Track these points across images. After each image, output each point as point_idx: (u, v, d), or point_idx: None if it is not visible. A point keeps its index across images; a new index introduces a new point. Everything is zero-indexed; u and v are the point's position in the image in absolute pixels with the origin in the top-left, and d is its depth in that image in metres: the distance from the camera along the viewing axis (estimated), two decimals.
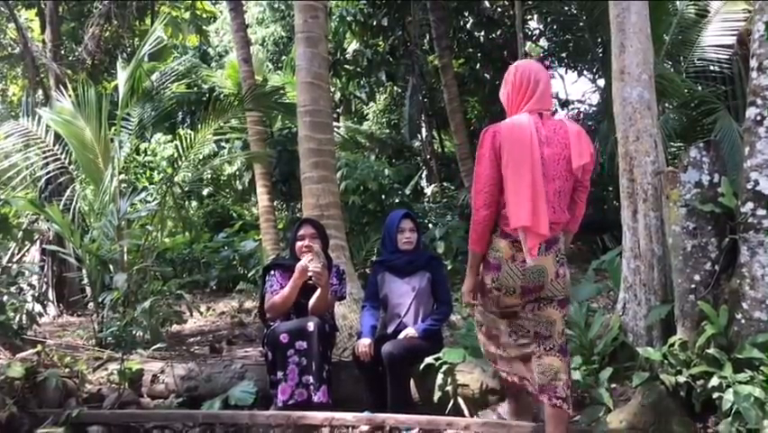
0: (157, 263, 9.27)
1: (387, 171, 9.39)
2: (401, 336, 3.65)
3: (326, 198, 5.38)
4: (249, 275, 9.50)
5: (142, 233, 6.16)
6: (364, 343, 3.65)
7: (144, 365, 4.34)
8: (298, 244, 3.87)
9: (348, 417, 3.30)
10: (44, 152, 6.61)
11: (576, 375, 3.46)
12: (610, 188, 13.38)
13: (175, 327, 7.36)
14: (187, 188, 14.23)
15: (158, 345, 4.84)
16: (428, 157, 13.93)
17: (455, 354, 3.56)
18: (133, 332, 4.75)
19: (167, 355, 4.95)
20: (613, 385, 3.61)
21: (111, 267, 6.00)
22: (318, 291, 3.73)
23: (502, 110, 3.02)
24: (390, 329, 3.82)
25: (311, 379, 3.52)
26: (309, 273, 3.64)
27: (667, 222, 3.69)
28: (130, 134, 6.79)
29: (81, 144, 6.37)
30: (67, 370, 4.01)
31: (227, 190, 14.23)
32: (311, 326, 3.59)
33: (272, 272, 3.90)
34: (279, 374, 3.54)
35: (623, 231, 4.17)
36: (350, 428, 3.53)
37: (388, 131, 15.46)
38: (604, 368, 3.61)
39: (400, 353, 3.51)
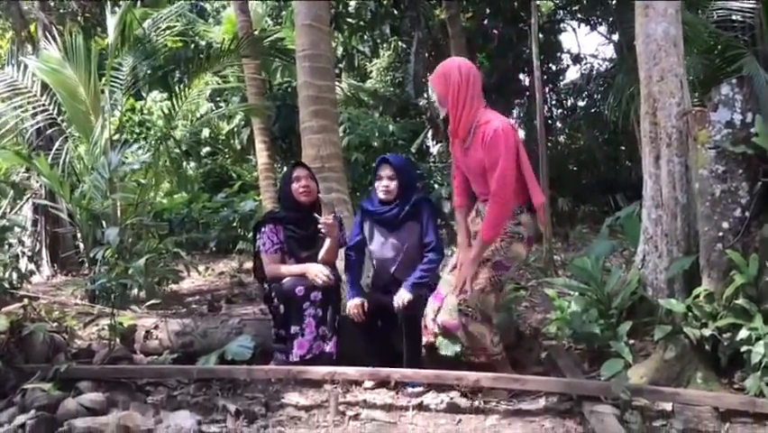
0: (153, 221, 9.20)
1: (391, 128, 9.18)
2: (396, 302, 3.43)
3: (327, 148, 5.17)
4: (249, 235, 9.36)
5: (136, 187, 5.99)
6: (355, 303, 3.50)
7: (137, 321, 4.21)
8: (294, 185, 3.72)
9: (351, 371, 3.17)
10: (31, 103, 6.40)
11: (593, 329, 3.32)
12: (623, 147, 13.17)
13: (172, 287, 7.26)
14: (184, 148, 14.24)
15: (152, 302, 4.70)
16: (434, 115, 13.63)
17: None
18: (127, 286, 4.61)
19: (162, 313, 4.82)
20: (631, 341, 3.48)
21: (104, 223, 5.85)
22: (327, 243, 3.64)
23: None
24: (380, 284, 3.68)
25: (327, 330, 3.52)
26: (320, 226, 3.49)
27: (693, 167, 3.50)
28: (122, 89, 6.55)
29: (70, 94, 6.16)
30: (55, 325, 3.88)
31: (226, 150, 14.03)
32: (327, 275, 3.54)
33: (263, 229, 3.73)
34: (294, 329, 3.49)
35: (644, 179, 3.99)
36: (353, 384, 3.40)
37: (392, 89, 15.16)
38: (622, 322, 3.47)
39: (415, 297, 3.39)
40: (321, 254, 3.66)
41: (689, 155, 3.62)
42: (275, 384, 3.46)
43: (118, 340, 4.03)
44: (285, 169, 11.48)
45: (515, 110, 15.86)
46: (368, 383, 3.40)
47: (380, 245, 3.70)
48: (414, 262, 3.62)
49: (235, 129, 12.28)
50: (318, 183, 3.88)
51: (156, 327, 4.10)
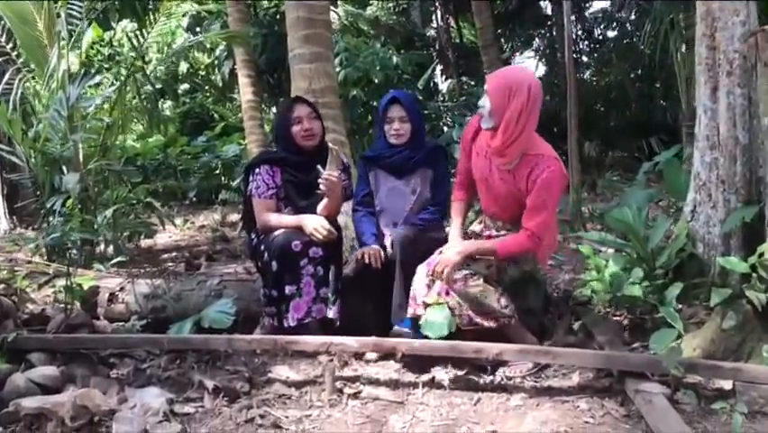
0: (123, 166, 8.96)
1: (395, 60, 8.82)
2: (387, 242, 3.35)
3: (321, 81, 4.89)
4: (233, 184, 9.15)
5: (101, 128, 5.71)
6: (373, 249, 3.35)
7: (101, 282, 4.01)
8: (295, 128, 3.45)
9: (350, 341, 2.96)
10: None
11: (637, 292, 3.09)
12: (657, 84, 12.76)
13: (146, 242, 7.08)
14: (158, 85, 13.90)
15: (118, 259, 4.48)
16: (444, 46, 13.21)
17: None
18: (91, 242, 4.38)
19: (130, 272, 4.61)
20: (678, 305, 3.26)
21: (64, 169, 5.60)
22: (324, 200, 3.40)
23: None
24: (387, 242, 3.45)
25: (329, 292, 3.33)
26: (321, 181, 3.25)
27: (762, 99, 3.22)
28: (83, 14, 6.18)
29: (20, 18, 5.82)
30: (2, 286, 3.66)
31: (206, 87, 13.67)
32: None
33: (257, 170, 3.47)
34: (290, 289, 3.28)
35: (697, 115, 3.70)
36: (353, 356, 3.20)
37: (395, 17, 14.70)
38: (671, 284, 3.24)
39: (414, 235, 3.32)
40: (320, 208, 3.41)
41: (753, 86, 3.33)
42: (260, 356, 3.26)
43: (78, 304, 3.83)
44: (274, 107, 11.23)
45: (534, 41, 15.43)
46: (370, 356, 3.21)
47: (388, 193, 3.52)
48: (426, 209, 3.51)
49: (216, 62, 11.86)
50: (323, 121, 3.61)
51: (122, 289, 3.91)
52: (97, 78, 5.18)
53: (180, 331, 3.29)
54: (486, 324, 3.10)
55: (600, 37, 14.53)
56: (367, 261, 3.32)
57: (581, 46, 15.23)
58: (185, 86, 13.71)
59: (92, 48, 11.86)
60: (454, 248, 3.15)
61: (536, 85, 3.08)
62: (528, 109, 3.03)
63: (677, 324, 2.93)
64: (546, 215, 3.10)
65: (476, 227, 3.57)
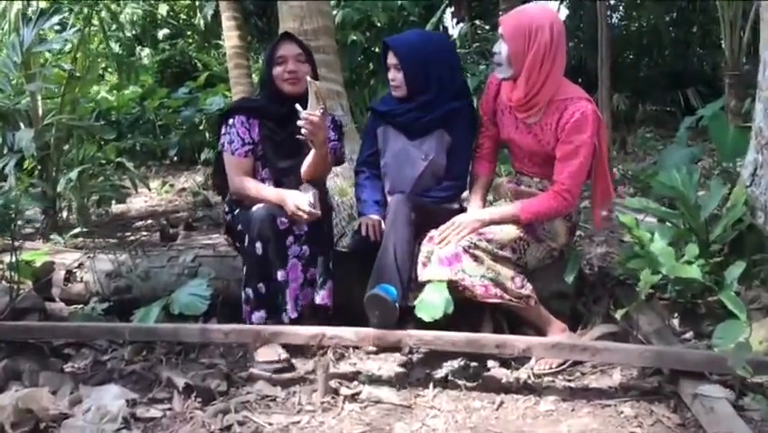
0: (95, 121, 8.64)
1: (399, 0, 8.42)
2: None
3: (314, 20, 4.56)
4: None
5: (61, 76, 5.38)
6: (372, 218, 3.06)
7: (56, 257, 3.74)
8: (277, 69, 3.11)
9: (347, 333, 2.68)
10: None
11: (693, 273, 2.79)
12: (694, 29, 12.29)
13: (118, 208, 6.81)
14: (134, 30, 13.48)
15: (77, 230, 4.20)
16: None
17: None
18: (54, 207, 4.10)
19: (93, 245, 4.33)
20: (737, 287, 2.97)
21: (21, 124, 5.30)
22: (311, 153, 3.04)
23: None
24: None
25: (316, 273, 3.08)
26: (301, 123, 2.89)
27: None
28: None
29: None
30: None
31: (189, 33, 13.25)
32: (312, 199, 2.99)
33: (231, 121, 3.15)
34: (282, 275, 2.95)
35: (761, 60, 3.37)
36: (350, 350, 2.93)
37: None
38: (730, 263, 2.95)
39: (417, 205, 3.01)
40: (303, 168, 3.10)
41: None
42: (240, 349, 2.99)
43: (31, 283, 3.58)
44: (263, 54, 10.80)
45: None
46: (371, 347, 2.93)
47: (395, 155, 3.19)
48: (439, 182, 3.17)
49: (197, 1, 11.43)
50: (315, 65, 3.25)
51: (81, 266, 3.63)
52: (56, 19, 4.81)
53: (146, 318, 3.03)
54: (502, 295, 2.82)
55: None
56: (365, 232, 3.02)
57: None
58: (164, 31, 13.29)
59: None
60: (471, 214, 2.93)
61: (559, 23, 2.89)
62: (553, 51, 2.83)
63: (741, 312, 2.64)
64: (579, 163, 2.88)
65: (503, 180, 3.29)
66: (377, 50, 8.61)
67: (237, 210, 3.15)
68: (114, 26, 6.23)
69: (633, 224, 3.22)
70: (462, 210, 3.13)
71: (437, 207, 3.13)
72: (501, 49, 2.89)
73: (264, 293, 2.94)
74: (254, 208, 3.00)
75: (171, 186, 8.13)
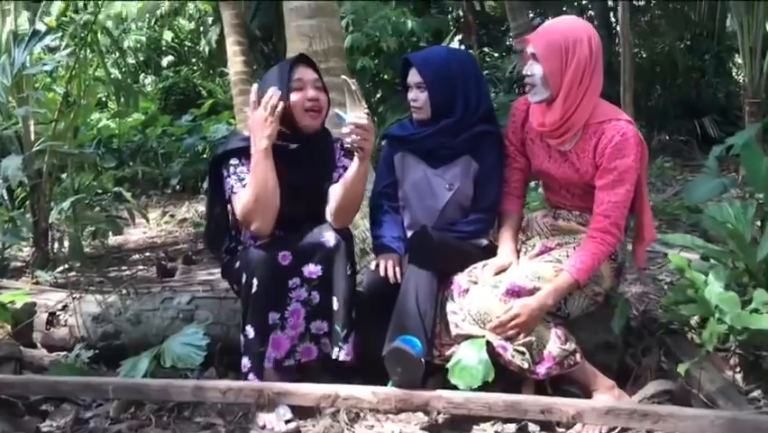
0: (95, 149, 8.33)
1: (409, 24, 8.14)
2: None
3: (324, 41, 4.22)
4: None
5: (55, 100, 5.05)
6: (391, 256, 2.71)
7: (40, 297, 3.38)
8: (296, 96, 2.64)
9: (364, 393, 2.30)
10: None
11: (763, 322, 2.41)
12: (706, 56, 11.99)
13: (116, 239, 6.45)
14: (142, 57, 13.27)
15: (67, 266, 3.83)
16: (465, 11, 12.48)
17: None
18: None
19: (83, 282, 3.96)
20: None
21: (12, 151, 4.96)
22: (354, 165, 2.56)
23: None
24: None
25: (325, 326, 2.65)
26: (347, 131, 2.44)
27: None
28: None
29: None
30: None
31: (194, 61, 13.00)
32: (331, 239, 2.62)
33: (234, 161, 2.71)
34: (273, 317, 2.59)
35: None
36: (368, 412, 2.54)
37: None
38: None
39: (440, 241, 2.64)
40: (338, 192, 2.66)
41: None
42: (240, 409, 2.60)
43: (9, 328, 3.22)
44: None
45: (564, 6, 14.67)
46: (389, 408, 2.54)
47: (415, 184, 2.84)
48: (465, 215, 2.82)
49: (201, 27, 11.18)
50: (328, 93, 2.83)
51: (65, 308, 3.26)
52: (48, 39, 4.49)
53: (134, 371, 2.65)
54: (544, 371, 2.46)
55: (641, 3, 13.75)
56: (383, 272, 2.64)
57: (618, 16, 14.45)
58: (169, 58, 13.06)
59: (63, 13, 11.26)
60: (534, 302, 2.46)
61: (596, 34, 2.61)
62: (592, 66, 2.54)
63: None
64: (624, 192, 2.54)
65: (537, 215, 2.91)
66: (386, 76, 8.33)
67: (239, 250, 2.79)
68: (115, 52, 5.91)
69: (684, 264, 2.85)
70: (493, 247, 2.76)
71: (464, 242, 2.76)
72: (534, 70, 2.56)
73: (252, 338, 2.55)
74: (251, 248, 2.65)
75: (172, 216, 7.78)
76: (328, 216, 2.71)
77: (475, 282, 2.57)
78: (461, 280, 2.59)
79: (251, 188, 2.58)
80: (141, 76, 12.90)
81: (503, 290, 2.46)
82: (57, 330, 3.24)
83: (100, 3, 5.30)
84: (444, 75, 2.76)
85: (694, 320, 2.88)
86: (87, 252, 5.83)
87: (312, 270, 2.62)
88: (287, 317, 2.62)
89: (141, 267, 5.35)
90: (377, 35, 7.89)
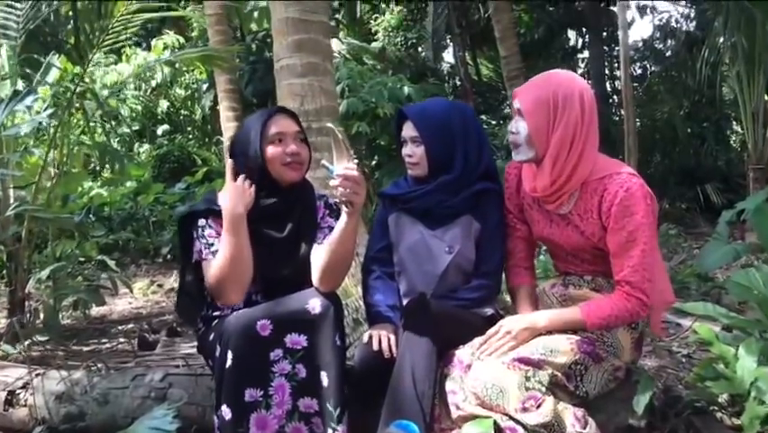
0: (85, 217, 8.10)
1: (406, 90, 8.02)
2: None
3: (316, 100, 4.03)
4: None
5: (36, 163, 4.83)
6: (386, 331, 2.40)
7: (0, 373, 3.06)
8: (274, 150, 2.45)
9: None
10: None
11: None
12: (705, 124, 11.91)
13: (99, 310, 6.14)
14: (136, 126, 13.19)
15: (38, 339, 3.54)
16: (463, 78, 12.45)
17: None
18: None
19: (49, 356, 3.66)
20: None
21: None
22: (342, 222, 2.30)
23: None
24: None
25: (315, 404, 2.30)
26: (335, 183, 2.19)
27: None
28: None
29: None
30: None
31: (189, 128, 12.90)
32: (316, 305, 2.31)
33: (203, 222, 2.48)
34: (251, 394, 2.26)
35: None
36: None
37: (403, 51, 14.07)
38: None
39: (439, 310, 2.38)
40: (320, 262, 2.39)
41: None
42: None
43: None
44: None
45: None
46: None
47: (412, 247, 2.58)
48: (467, 281, 2.55)
49: (195, 93, 11.10)
50: (310, 147, 2.62)
51: (25, 387, 2.94)
52: (29, 100, 4.29)
53: None
54: None
55: (640, 71, 13.80)
56: (376, 346, 2.36)
57: (615, 84, 14.51)
58: (164, 126, 12.97)
59: (58, 81, 11.22)
60: (521, 319, 2.31)
61: (589, 91, 2.36)
62: (585, 127, 2.30)
63: None
64: (640, 252, 2.26)
65: (545, 286, 2.63)
66: (382, 142, 8.18)
67: (216, 319, 2.50)
68: (110, 121, 5.74)
69: (712, 335, 2.58)
70: (498, 317, 2.48)
71: (467, 312, 2.49)
72: (519, 127, 2.34)
73: (229, 419, 2.23)
74: (230, 317, 2.35)
75: (160, 286, 7.48)
76: (315, 281, 2.43)
77: (477, 357, 2.28)
78: (462, 354, 2.31)
79: (222, 257, 2.34)
80: (137, 145, 12.77)
81: (509, 358, 2.18)
82: (15, 411, 2.92)
83: (90, 68, 5.08)
84: (443, 128, 2.54)
85: (722, 398, 2.59)
86: (67, 323, 5.56)
87: (295, 340, 2.31)
88: (271, 393, 2.29)
89: (121, 340, 5.03)
90: (373, 101, 7.77)
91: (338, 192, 2.18)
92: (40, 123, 4.56)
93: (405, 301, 2.55)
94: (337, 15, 12.66)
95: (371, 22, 14.68)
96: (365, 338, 2.42)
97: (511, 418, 2.10)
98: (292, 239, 2.48)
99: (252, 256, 2.39)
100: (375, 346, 2.34)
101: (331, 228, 2.48)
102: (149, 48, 12.63)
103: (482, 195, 2.56)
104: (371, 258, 2.67)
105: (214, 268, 2.35)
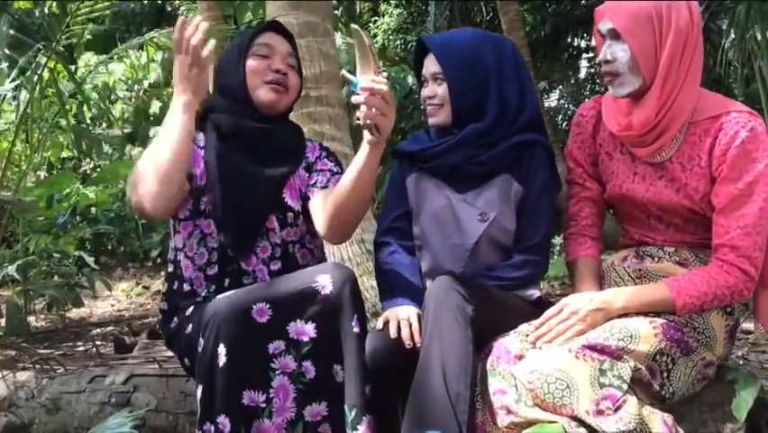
0: (70, 217, 7.64)
1: (410, 80, 7.51)
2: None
3: (315, 64, 3.57)
4: None
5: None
6: (407, 314, 1.84)
7: None
8: (255, 62, 1.98)
9: None
10: None
11: None
12: None
13: (78, 312, 5.63)
14: (127, 129, 12.71)
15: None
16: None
17: None
18: None
19: (15, 359, 3.13)
20: None
21: None
22: (363, 155, 1.78)
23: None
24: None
25: (323, 409, 1.77)
26: (359, 99, 1.68)
27: None
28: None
29: None
30: None
31: None
32: (327, 283, 1.79)
33: None
34: (254, 397, 1.74)
35: None
36: None
37: (404, 54, 13.66)
38: None
39: (472, 290, 1.79)
40: (335, 194, 1.89)
41: None
42: None
43: None
44: None
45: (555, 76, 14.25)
46: None
47: (437, 215, 2.05)
48: (506, 256, 2.02)
49: None
50: (302, 76, 2.15)
51: None
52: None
53: None
54: None
55: None
56: (394, 334, 1.80)
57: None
58: (157, 128, 12.50)
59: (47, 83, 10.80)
60: (591, 297, 1.78)
61: (695, 3, 1.86)
62: (695, 37, 1.80)
63: None
64: (758, 210, 1.77)
65: (614, 259, 2.08)
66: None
67: (186, 306, 1.96)
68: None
69: None
70: (548, 303, 1.94)
71: (508, 294, 1.95)
72: (616, 53, 1.81)
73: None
74: (216, 300, 1.81)
75: (146, 288, 6.97)
76: (321, 229, 1.94)
77: (531, 345, 1.74)
78: (509, 343, 1.77)
79: (153, 146, 1.87)
80: (128, 147, 12.27)
81: (578, 345, 1.65)
82: None
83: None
84: (472, 61, 2.00)
85: None
86: (42, 325, 5.06)
87: (300, 329, 1.77)
88: (271, 397, 1.74)
89: (98, 342, 4.51)
90: None
91: (361, 112, 1.67)
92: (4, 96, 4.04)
93: (428, 282, 2.00)
94: (336, 12, 12.19)
95: (370, 24, 14.28)
96: (379, 324, 1.86)
97: (582, 422, 1.56)
98: (271, 179, 1.98)
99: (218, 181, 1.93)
100: (393, 334, 1.78)
101: (332, 171, 2.03)
102: (142, 48, 12.25)
103: (525, 148, 2.02)
104: (386, 229, 2.12)
105: (140, 162, 1.88)
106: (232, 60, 2.02)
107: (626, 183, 1.95)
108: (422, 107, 2.14)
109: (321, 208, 1.92)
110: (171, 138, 1.81)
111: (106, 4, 4.25)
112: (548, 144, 2.09)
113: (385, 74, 1.75)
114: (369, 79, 1.66)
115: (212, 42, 1.82)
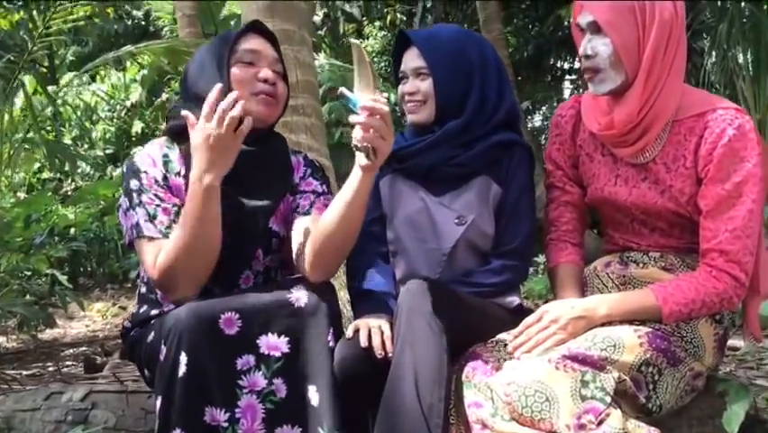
0: (48, 237, 7.50)
1: (392, 98, 7.45)
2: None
3: (292, 73, 3.38)
4: None
5: None
6: (378, 322, 1.73)
7: None
8: (242, 71, 1.81)
9: None
10: None
11: None
12: None
13: (51, 333, 5.49)
14: (109, 150, 12.61)
15: None
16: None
17: None
18: None
19: None
20: None
21: None
22: (355, 180, 1.65)
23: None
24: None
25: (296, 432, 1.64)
26: (359, 120, 1.57)
27: None
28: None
29: None
30: None
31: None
32: (302, 296, 1.70)
33: (143, 174, 1.80)
34: (215, 415, 1.61)
35: None
36: None
37: (388, 76, 13.65)
38: None
39: (448, 296, 1.74)
40: (321, 225, 1.74)
41: None
42: None
43: None
44: None
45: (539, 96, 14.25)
46: None
47: (412, 218, 1.96)
48: (484, 261, 1.93)
49: (166, 104, 10.55)
50: (289, 87, 2.00)
51: None
52: None
53: None
54: None
55: None
56: (365, 342, 1.69)
57: None
58: (139, 148, 12.40)
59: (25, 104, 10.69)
60: (571, 305, 1.68)
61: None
62: (678, 30, 1.72)
63: None
64: (746, 212, 1.68)
65: (596, 265, 1.99)
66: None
67: (152, 316, 1.84)
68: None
69: None
70: (528, 311, 1.84)
71: (486, 301, 1.85)
72: (597, 47, 1.72)
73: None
74: (178, 309, 1.68)
75: (122, 308, 6.83)
76: (303, 265, 1.79)
77: (509, 355, 1.64)
78: (486, 352, 1.66)
79: (181, 237, 1.67)
80: (110, 168, 12.15)
81: (558, 355, 1.54)
82: None
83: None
84: (457, 57, 1.93)
85: None
86: (13, 346, 4.91)
87: (272, 343, 1.66)
88: (237, 417, 1.63)
89: (69, 363, 4.36)
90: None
91: (358, 134, 1.56)
92: None
93: (402, 289, 1.90)
94: (320, 32, 12.15)
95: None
96: (349, 332, 1.74)
97: None
98: (253, 201, 1.83)
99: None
100: (363, 343, 1.67)
101: (315, 193, 1.90)
102: (124, 69, 12.18)
103: (504, 149, 1.94)
104: (360, 234, 2.02)
105: (166, 252, 1.69)
106: (209, 68, 1.82)
107: (608, 186, 1.86)
108: (397, 105, 2.05)
109: (302, 241, 1.79)
110: (207, 230, 1.67)
111: (81, 14, 4.15)
112: (528, 145, 2.01)
113: (385, 94, 1.65)
114: (369, 98, 1.56)
115: (249, 120, 1.64)
